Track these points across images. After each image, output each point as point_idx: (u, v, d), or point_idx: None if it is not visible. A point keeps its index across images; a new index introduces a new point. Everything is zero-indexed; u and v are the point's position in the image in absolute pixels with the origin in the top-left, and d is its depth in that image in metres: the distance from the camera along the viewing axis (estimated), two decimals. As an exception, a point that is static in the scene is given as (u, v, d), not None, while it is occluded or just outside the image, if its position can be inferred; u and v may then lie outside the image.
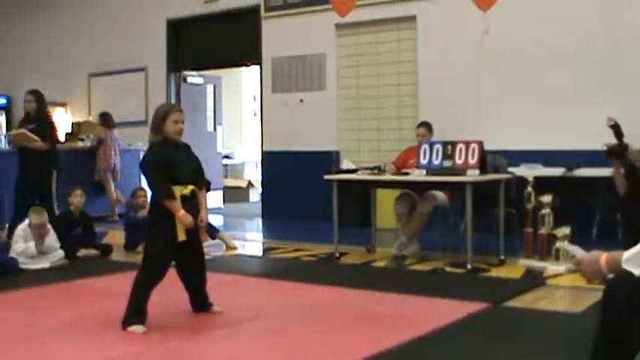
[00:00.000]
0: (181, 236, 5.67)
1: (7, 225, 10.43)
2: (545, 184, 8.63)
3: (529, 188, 8.50)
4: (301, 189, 12.79)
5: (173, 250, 5.75)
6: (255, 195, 17.05)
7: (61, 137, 15.10)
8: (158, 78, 15.48)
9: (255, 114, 18.73)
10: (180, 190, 5.70)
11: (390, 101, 12.40)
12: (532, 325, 5.74)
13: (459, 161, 8.39)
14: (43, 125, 10.35)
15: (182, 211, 5.67)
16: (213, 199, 14.98)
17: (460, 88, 11.39)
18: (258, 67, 14.15)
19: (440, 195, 9.11)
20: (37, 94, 10.46)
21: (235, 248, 10.01)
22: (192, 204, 5.78)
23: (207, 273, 6.12)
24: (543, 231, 8.27)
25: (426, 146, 8.70)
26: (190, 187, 5.78)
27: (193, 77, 15.87)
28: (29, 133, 10.13)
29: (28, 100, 10.44)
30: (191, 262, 5.97)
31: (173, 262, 5.89)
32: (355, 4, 10.76)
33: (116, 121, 13.85)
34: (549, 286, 7.29)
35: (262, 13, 13.73)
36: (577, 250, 3.62)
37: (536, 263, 8.19)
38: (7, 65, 18.30)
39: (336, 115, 12.92)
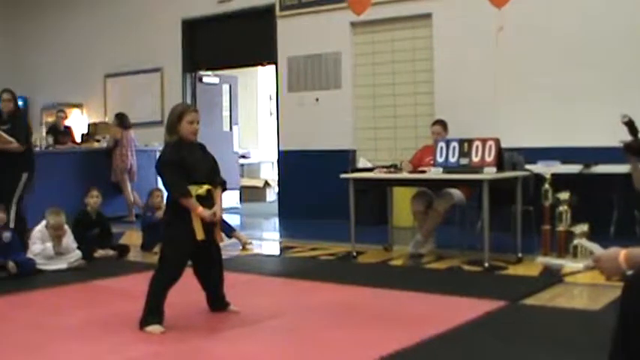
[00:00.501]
0: (199, 235, 5.68)
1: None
2: (563, 182, 8.62)
3: (546, 185, 8.48)
4: (318, 188, 12.78)
5: (189, 250, 5.75)
6: (272, 194, 17.05)
7: (77, 138, 15.19)
8: (174, 78, 15.50)
9: (271, 113, 18.72)
10: (195, 190, 5.70)
11: (406, 99, 12.37)
12: (550, 323, 5.72)
13: (475, 159, 8.36)
14: (18, 126, 9.93)
15: (200, 208, 5.68)
16: (230, 198, 14.99)
17: (476, 85, 11.35)
18: (273, 66, 14.14)
19: (457, 193, 9.09)
20: (14, 94, 9.99)
21: (250, 243, 10.06)
22: (208, 203, 5.78)
23: (224, 272, 6.13)
24: (561, 228, 8.26)
25: (442, 144, 8.67)
26: (206, 187, 5.78)
27: (209, 77, 15.88)
28: (4, 135, 9.63)
29: (7, 100, 9.85)
30: (208, 261, 5.98)
31: (190, 262, 5.90)
32: (371, 2, 10.73)
33: (132, 121, 13.89)
34: (567, 283, 7.27)
35: (277, 12, 13.73)
36: (595, 247, 3.60)
37: (553, 261, 8.16)
38: (23, 67, 18.36)
39: (352, 113, 12.90)
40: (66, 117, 15.47)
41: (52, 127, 14.98)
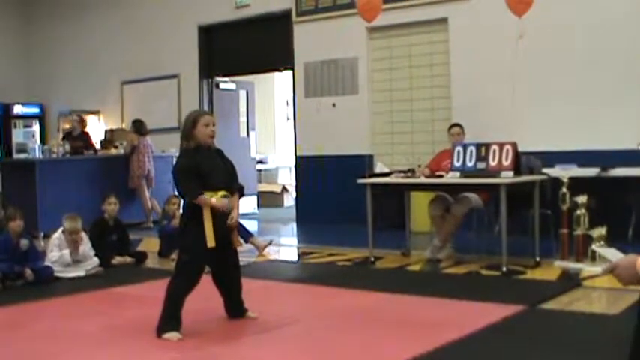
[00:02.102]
0: (210, 242, 5.65)
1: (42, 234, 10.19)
2: (580, 185, 8.57)
3: (564, 189, 8.44)
4: (335, 193, 12.77)
5: (206, 257, 5.74)
6: (290, 200, 17.04)
7: (96, 145, 15.18)
8: (190, 84, 15.52)
9: (288, 119, 18.71)
10: (211, 196, 5.69)
11: (423, 104, 12.34)
12: (569, 327, 5.71)
13: (492, 163, 8.34)
14: None
15: (213, 199, 5.66)
16: (248, 204, 14.99)
17: (493, 89, 11.31)
18: (290, 71, 14.15)
19: (474, 197, 9.06)
20: None
21: (268, 244, 10.10)
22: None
23: (242, 278, 6.12)
24: (579, 232, 8.23)
25: (459, 148, 8.65)
26: (221, 193, 5.76)
27: (226, 83, 15.89)
28: None
29: None
30: (226, 268, 5.98)
31: (208, 269, 5.90)
32: (381, 9, 10.66)
33: (149, 127, 13.90)
34: (585, 287, 7.23)
35: (294, 17, 13.74)
36: (612, 254, 3.57)
37: (572, 264, 8.14)
38: (39, 73, 18.46)
39: (369, 118, 12.89)
40: (82, 122, 15.16)
41: (67, 133, 14.94)
